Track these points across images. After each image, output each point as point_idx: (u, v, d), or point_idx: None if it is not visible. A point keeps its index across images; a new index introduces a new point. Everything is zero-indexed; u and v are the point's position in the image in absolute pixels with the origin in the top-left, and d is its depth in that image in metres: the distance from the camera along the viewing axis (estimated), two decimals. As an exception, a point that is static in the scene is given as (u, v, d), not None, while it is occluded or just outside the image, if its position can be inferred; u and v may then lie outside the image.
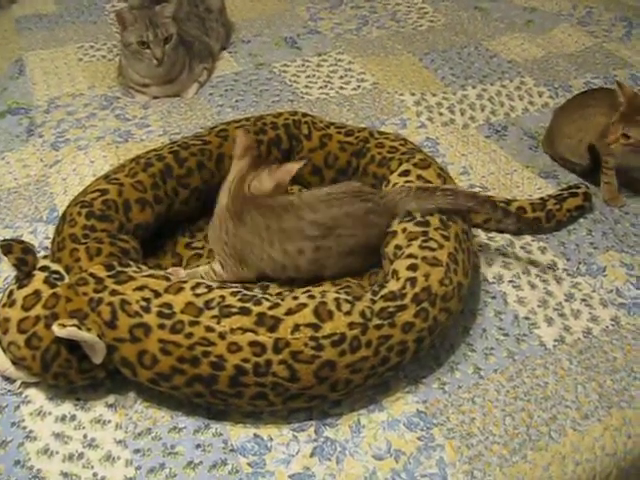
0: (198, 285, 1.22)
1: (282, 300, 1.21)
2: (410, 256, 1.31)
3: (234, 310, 1.17)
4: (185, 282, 1.23)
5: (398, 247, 1.36)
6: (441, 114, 2.03)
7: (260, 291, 1.33)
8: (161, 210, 1.47)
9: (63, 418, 1.24)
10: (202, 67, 2.11)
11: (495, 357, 1.36)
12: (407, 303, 1.24)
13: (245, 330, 1.15)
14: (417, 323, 1.23)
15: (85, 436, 1.21)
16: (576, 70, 2.29)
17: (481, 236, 1.62)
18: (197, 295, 1.19)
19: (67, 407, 1.25)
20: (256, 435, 1.22)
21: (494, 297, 1.48)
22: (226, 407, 1.22)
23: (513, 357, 1.36)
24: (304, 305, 1.19)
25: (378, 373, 1.22)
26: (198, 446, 1.19)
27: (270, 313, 1.17)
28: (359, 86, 2.13)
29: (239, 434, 1.22)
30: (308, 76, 2.17)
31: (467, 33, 2.47)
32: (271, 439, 1.21)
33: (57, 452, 1.18)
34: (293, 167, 1.39)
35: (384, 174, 1.52)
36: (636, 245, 1.64)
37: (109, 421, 1.23)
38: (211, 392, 1.17)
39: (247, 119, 1.67)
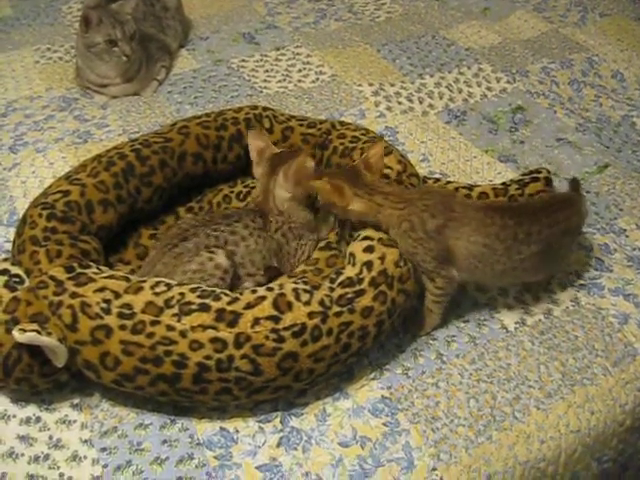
0: (157, 284, 1.21)
1: (241, 294, 1.21)
2: (366, 238, 1.32)
3: (194, 307, 1.17)
4: (144, 281, 1.22)
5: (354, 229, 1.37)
6: (400, 103, 2.04)
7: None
8: (124, 210, 1.46)
9: (28, 420, 1.23)
10: (160, 65, 2.11)
11: (457, 343, 1.38)
12: (365, 287, 1.25)
13: (205, 327, 1.15)
14: (376, 307, 1.24)
15: (51, 437, 1.21)
16: (533, 55, 2.30)
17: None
18: (157, 294, 1.19)
19: (31, 409, 1.25)
20: (222, 428, 1.22)
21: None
22: (192, 404, 1.22)
23: (475, 341, 1.38)
24: (263, 298, 1.20)
25: (341, 360, 1.23)
26: (164, 442, 1.20)
27: (229, 308, 1.18)
28: (317, 79, 2.14)
29: (205, 428, 1.22)
30: (266, 70, 2.17)
31: (424, 23, 2.48)
32: (237, 431, 1.22)
33: (22, 454, 1.18)
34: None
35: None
36: (595, 224, 1.65)
37: (75, 421, 1.23)
38: (175, 390, 1.17)
39: (207, 114, 1.66)
